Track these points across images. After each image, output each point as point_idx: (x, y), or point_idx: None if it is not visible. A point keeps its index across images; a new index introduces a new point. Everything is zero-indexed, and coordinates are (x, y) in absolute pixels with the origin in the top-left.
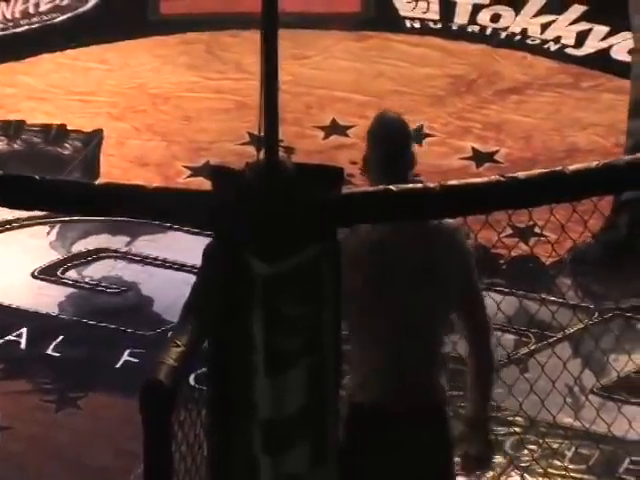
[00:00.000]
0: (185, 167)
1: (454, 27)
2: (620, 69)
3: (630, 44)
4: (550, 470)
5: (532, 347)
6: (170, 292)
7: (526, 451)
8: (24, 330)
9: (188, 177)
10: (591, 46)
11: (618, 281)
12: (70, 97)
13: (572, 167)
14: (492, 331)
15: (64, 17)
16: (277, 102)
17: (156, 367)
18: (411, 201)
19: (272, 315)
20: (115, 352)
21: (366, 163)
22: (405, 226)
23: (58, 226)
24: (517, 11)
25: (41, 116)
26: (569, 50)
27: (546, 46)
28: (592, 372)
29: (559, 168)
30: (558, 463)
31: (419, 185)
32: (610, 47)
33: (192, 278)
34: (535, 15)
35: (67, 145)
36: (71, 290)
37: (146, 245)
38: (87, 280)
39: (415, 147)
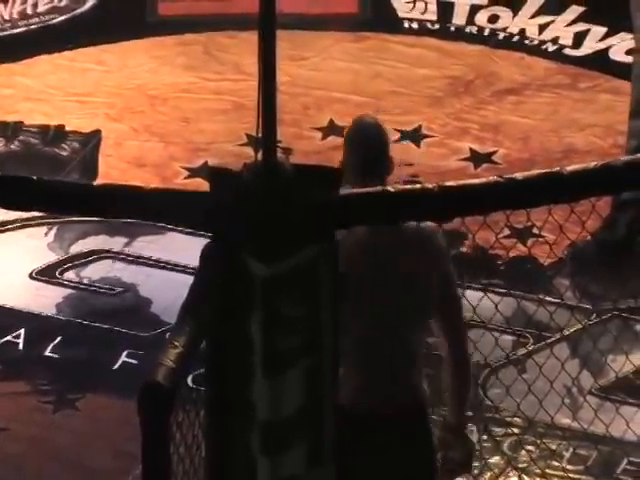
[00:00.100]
0: (183, 168)
1: (452, 28)
2: (618, 70)
3: (628, 45)
4: (548, 471)
5: (530, 348)
6: (168, 293)
7: (524, 452)
8: (22, 331)
9: (186, 178)
10: (589, 47)
11: (616, 282)
12: (68, 98)
13: (570, 168)
14: (467, 335)
15: (62, 18)
16: (275, 103)
17: (154, 368)
18: (409, 202)
19: (270, 316)
20: (113, 353)
21: (343, 168)
22: (383, 229)
23: (56, 227)
24: (515, 12)
25: (39, 117)
26: (567, 51)
27: (544, 47)
28: (590, 373)
29: (557, 169)
30: (556, 464)
31: (417, 186)
32: (608, 48)
33: (190, 279)
34: (533, 16)
35: (65, 146)
36: (69, 291)
37: (144, 246)
38: (85, 281)
39: (392, 153)
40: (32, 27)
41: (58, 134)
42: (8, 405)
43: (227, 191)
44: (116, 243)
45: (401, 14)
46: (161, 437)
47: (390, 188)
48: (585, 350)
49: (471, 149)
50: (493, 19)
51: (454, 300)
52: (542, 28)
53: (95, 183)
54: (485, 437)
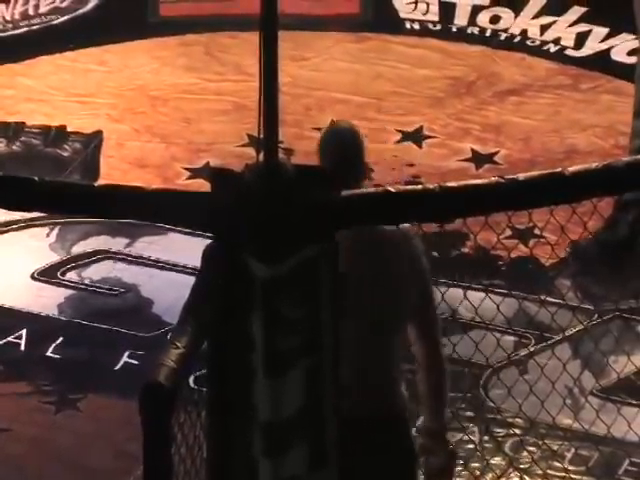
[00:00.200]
0: (184, 169)
1: (453, 29)
2: (620, 70)
3: (630, 45)
4: (550, 471)
5: (531, 348)
6: (169, 294)
7: (526, 452)
8: (24, 332)
9: (187, 179)
10: (591, 47)
11: (618, 282)
12: (69, 99)
13: (571, 168)
14: (442, 339)
15: (63, 19)
16: (277, 104)
17: (155, 369)
18: (410, 203)
19: (271, 316)
20: (115, 354)
21: None
22: (360, 233)
23: (58, 228)
24: (517, 12)
25: (40, 118)
26: (569, 51)
27: (545, 47)
28: (592, 373)
29: (558, 169)
30: (558, 464)
31: (419, 186)
32: (610, 48)
33: (191, 280)
34: (535, 16)
35: (66, 147)
36: (71, 292)
37: (146, 247)
38: (87, 282)
39: (367, 158)
40: (34, 28)
41: (59, 135)
42: (9, 406)
43: (228, 192)
44: (117, 244)
45: (403, 15)
46: (162, 437)
47: (391, 188)
48: (587, 351)
49: (472, 150)
50: (495, 20)
51: (429, 304)
52: (544, 29)
53: (96, 184)
54: (487, 438)
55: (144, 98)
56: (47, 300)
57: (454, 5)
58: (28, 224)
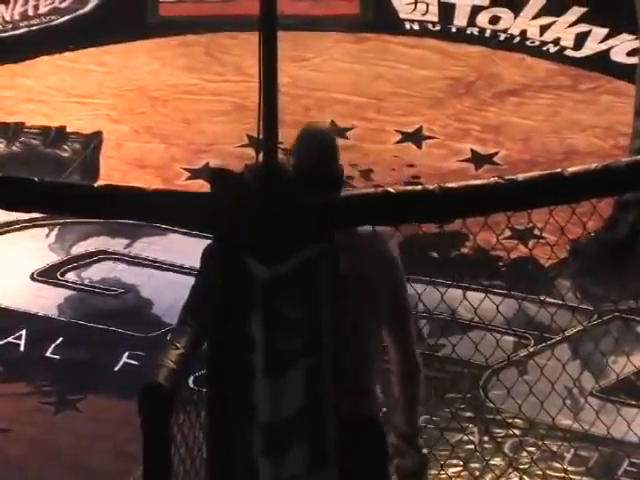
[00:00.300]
0: (184, 169)
1: (453, 29)
2: (619, 71)
3: (629, 46)
4: (549, 472)
5: (531, 349)
6: (169, 294)
7: (525, 453)
8: (23, 332)
9: (187, 179)
10: (590, 48)
11: (617, 283)
12: (69, 99)
13: (571, 169)
14: (415, 343)
15: (63, 19)
16: (276, 104)
17: (155, 369)
18: (410, 203)
19: (271, 316)
20: (114, 354)
21: None
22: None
23: (57, 228)
24: (516, 13)
25: (40, 118)
26: (568, 52)
27: (545, 48)
28: (591, 374)
29: (558, 170)
30: (557, 465)
31: (418, 187)
32: (609, 49)
33: (191, 280)
34: (534, 17)
35: (66, 147)
36: (70, 292)
37: (145, 247)
38: (86, 282)
39: (342, 161)
40: (33, 28)
41: (59, 135)
42: (9, 406)
43: (228, 192)
44: (117, 244)
45: (402, 15)
46: (162, 438)
47: (391, 189)
48: (586, 351)
49: (472, 150)
50: (494, 20)
51: (404, 307)
52: (543, 29)
53: (96, 184)
54: (486, 438)
55: (144, 99)
56: (47, 301)
57: (453, 5)
58: (27, 225)
